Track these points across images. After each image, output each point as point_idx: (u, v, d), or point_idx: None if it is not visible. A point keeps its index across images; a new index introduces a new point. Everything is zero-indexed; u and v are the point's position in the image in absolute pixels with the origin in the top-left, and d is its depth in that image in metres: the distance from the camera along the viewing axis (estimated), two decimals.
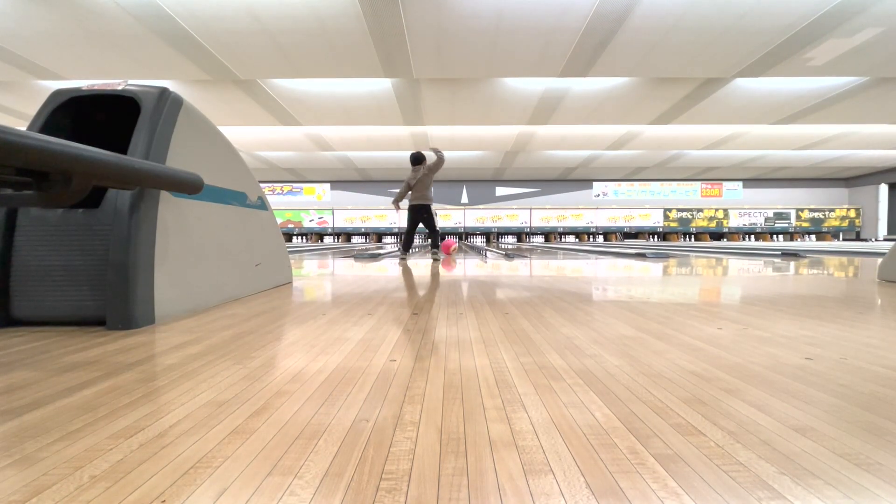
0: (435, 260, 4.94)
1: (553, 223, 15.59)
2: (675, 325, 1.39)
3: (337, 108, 7.86)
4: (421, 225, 5.26)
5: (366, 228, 15.50)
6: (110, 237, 1.37)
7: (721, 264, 4.30)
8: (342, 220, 15.60)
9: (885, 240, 14.22)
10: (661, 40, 5.24)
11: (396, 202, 5.32)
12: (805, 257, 5.36)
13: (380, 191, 15.74)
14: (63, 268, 1.39)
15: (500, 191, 16.12)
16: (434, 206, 5.31)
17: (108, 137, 1.65)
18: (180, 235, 1.60)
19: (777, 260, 4.99)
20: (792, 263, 4.38)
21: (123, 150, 1.45)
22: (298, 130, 9.35)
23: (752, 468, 0.53)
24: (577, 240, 15.52)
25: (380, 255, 5.89)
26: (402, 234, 5.59)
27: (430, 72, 6.23)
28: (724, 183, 15.93)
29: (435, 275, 3.24)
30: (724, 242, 14.10)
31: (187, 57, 5.66)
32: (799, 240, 15.48)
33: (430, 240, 5.41)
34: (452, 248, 6.37)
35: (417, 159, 5.30)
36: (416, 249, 7.93)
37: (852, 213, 15.60)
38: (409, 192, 5.31)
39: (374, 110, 7.88)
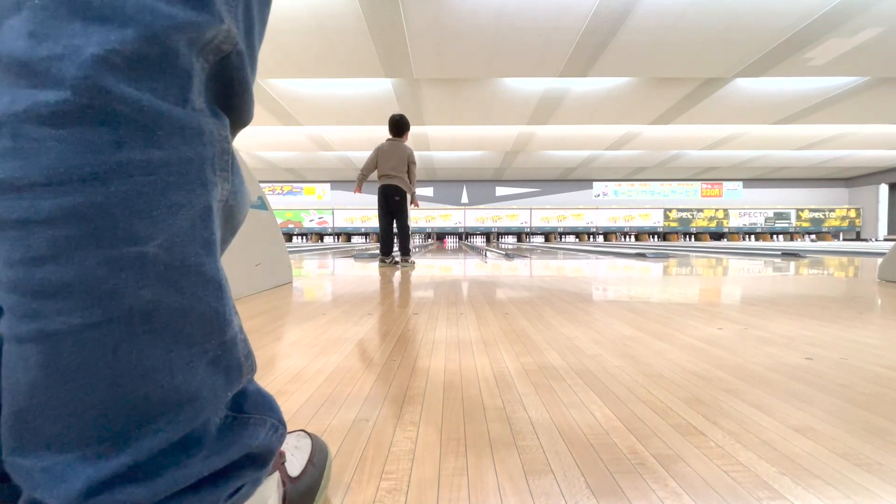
0: (404, 267, 3.79)
1: (553, 223, 15.59)
2: (676, 325, 1.39)
3: (337, 108, 7.86)
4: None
5: (366, 228, 15.48)
6: None
7: (721, 264, 4.30)
8: (342, 220, 15.60)
9: (886, 240, 14.22)
10: (661, 40, 5.24)
11: (358, 184, 4.06)
12: (805, 257, 5.36)
13: None
14: None
15: (500, 191, 16.12)
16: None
17: None
18: None
19: (777, 260, 4.99)
20: (792, 263, 4.38)
21: None
22: (298, 130, 9.35)
23: (752, 468, 0.53)
24: (578, 240, 15.52)
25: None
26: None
27: (430, 72, 6.23)
28: (724, 183, 15.92)
29: (435, 275, 3.24)
30: (724, 242, 14.10)
31: None
32: (799, 240, 15.48)
33: (402, 241, 4.04)
34: None
35: (398, 127, 3.95)
36: (416, 249, 7.92)
37: (852, 213, 15.60)
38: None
39: (374, 110, 7.88)
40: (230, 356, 0.33)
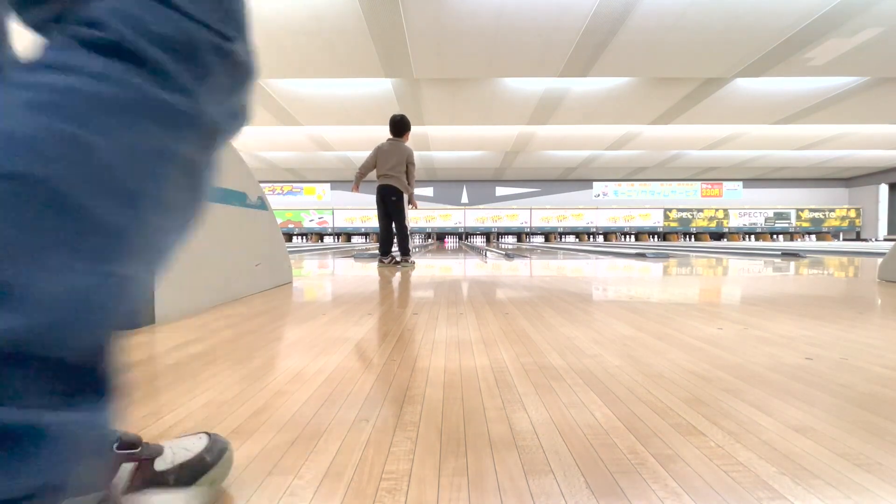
0: (404, 267, 3.74)
1: (553, 223, 15.59)
2: (676, 325, 1.39)
3: (337, 108, 7.87)
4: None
5: (366, 228, 15.48)
6: None
7: (721, 264, 4.30)
8: (342, 220, 15.60)
9: (886, 240, 14.22)
10: (661, 40, 5.24)
11: (356, 182, 4.13)
12: (805, 257, 5.36)
13: None
14: None
15: (500, 191, 16.12)
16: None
17: None
18: None
19: (777, 260, 4.99)
20: (792, 263, 4.38)
21: None
22: (298, 130, 9.35)
23: (752, 468, 0.53)
24: (578, 240, 15.52)
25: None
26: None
27: (430, 72, 6.23)
28: (724, 183, 15.92)
29: (434, 275, 3.24)
30: (724, 242, 14.10)
31: None
32: (799, 240, 15.47)
33: (401, 241, 4.04)
34: None
35: (399, 127, 3.97)
36: (416, 249, 7.92)
37: (852, 213, 15.60)
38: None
39: (374, 110, 7.88)
40: (98, 294, 0.27)
